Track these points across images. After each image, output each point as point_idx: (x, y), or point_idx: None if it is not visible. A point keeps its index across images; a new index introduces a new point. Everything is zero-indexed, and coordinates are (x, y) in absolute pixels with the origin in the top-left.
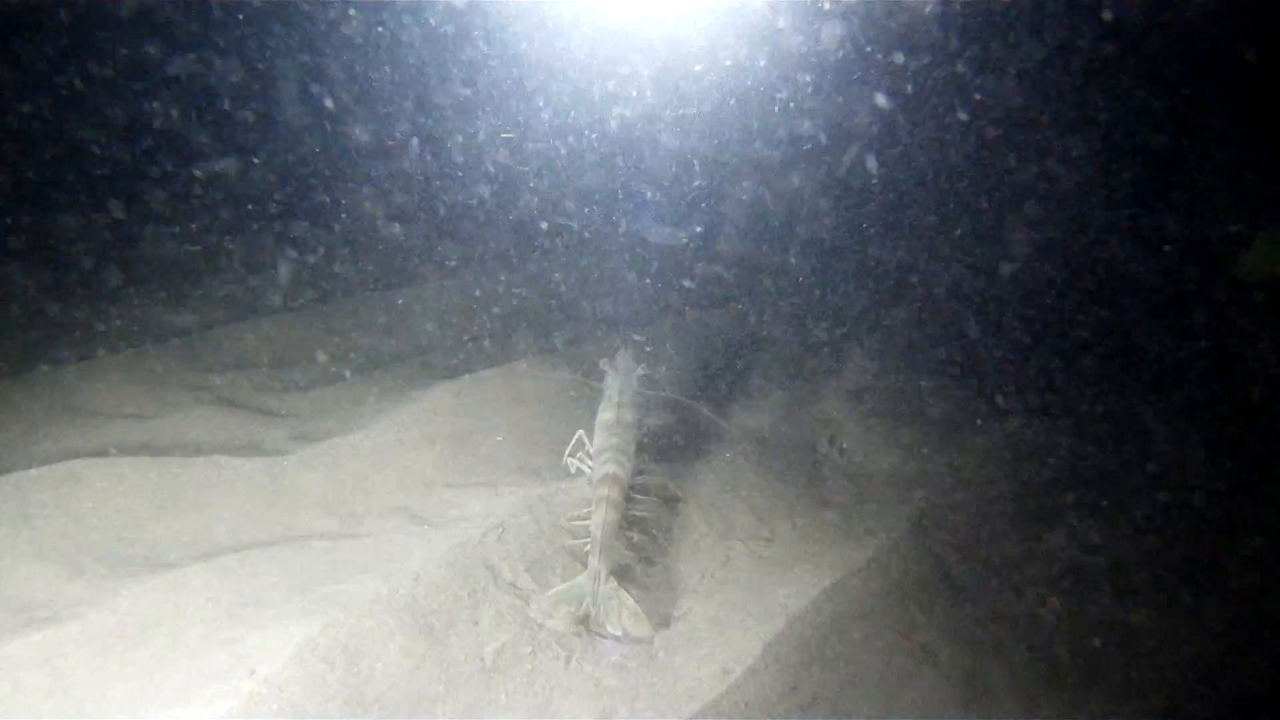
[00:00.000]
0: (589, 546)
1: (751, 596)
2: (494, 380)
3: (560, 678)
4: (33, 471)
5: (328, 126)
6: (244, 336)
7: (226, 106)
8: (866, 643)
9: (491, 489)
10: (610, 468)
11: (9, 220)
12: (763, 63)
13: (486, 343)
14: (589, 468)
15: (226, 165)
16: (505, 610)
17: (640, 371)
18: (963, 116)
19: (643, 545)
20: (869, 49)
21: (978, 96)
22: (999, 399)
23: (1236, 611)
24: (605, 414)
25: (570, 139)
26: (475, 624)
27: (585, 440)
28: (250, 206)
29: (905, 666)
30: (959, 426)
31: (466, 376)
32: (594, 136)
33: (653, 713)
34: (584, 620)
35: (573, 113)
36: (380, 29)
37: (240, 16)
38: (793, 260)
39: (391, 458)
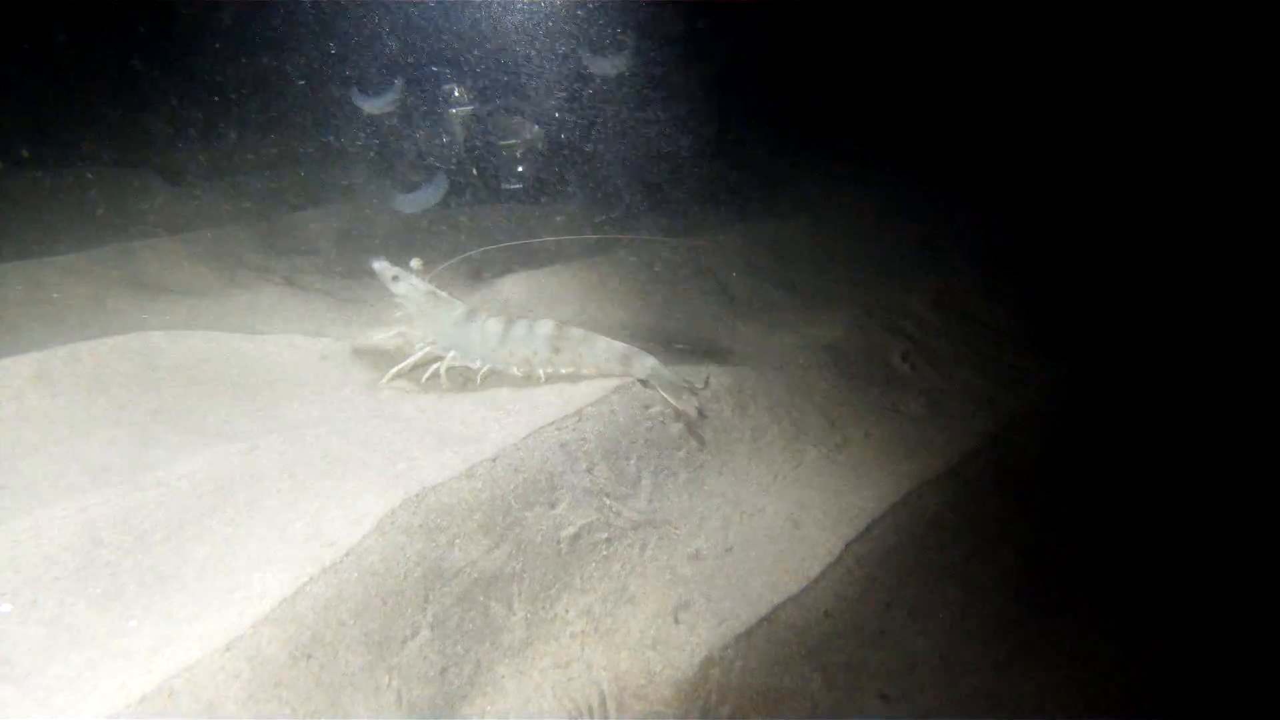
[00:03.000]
0: (610, 364)
1: (828, 498)
2: (564, 272)
3: (636, 565)
4: (108, 340)
5: None
6: (308, 224)
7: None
8: (942, 551)
9: (567, 379)
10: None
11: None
12: None
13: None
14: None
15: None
16: (582, 496)
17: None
18: None
19: (714, 442)
20: None
21: None
22: None
23: None
24: (453, 311)
25: None
26: (552, 507)
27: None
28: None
29: (981, 576)
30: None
31: (540, 270)
32: None
33: (730, 604)
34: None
35: None
36: None
37: None
38: None
39: None
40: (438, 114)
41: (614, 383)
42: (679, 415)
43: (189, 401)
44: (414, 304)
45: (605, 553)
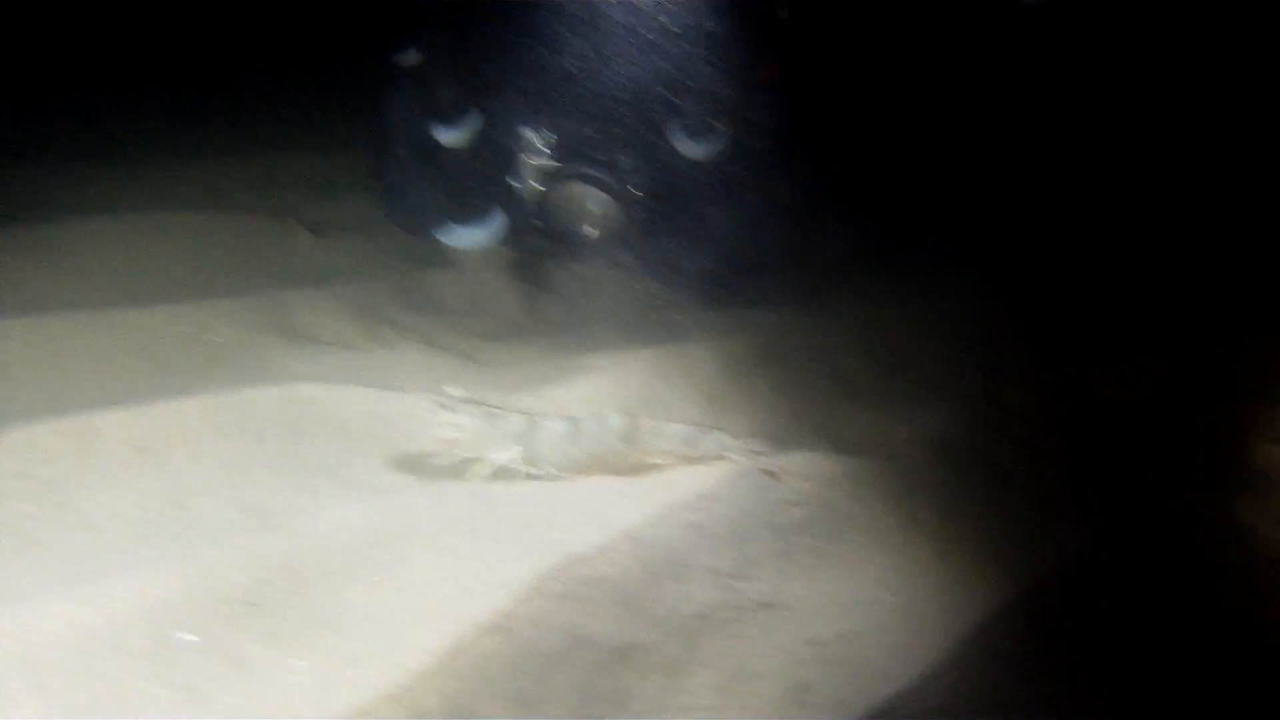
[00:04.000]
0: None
1: (942, 593)
2: (695, 351)
3: (760, 645)
4: (270, 389)
5: None
6: (444, 284)
7: None
8: (1052, 654)
9: (692, 460)
10: None
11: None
12: None
13: None
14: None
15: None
16: (709, 575)
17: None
18: None
19: (832, 530)
20: None
21: None
22: None
23: None
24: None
25: None
26: (682, 584)
27: None
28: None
29: (1091, 682)
30: None
31: (666, 346)
32: None
33: (849, 690)
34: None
35: None
36: None
37: None
38: None
39: None
40: (511, 154)
41: (738, 467)
42: (764, 472)
43: (339, 453)
44: (471, 431)
45: (731, 632)
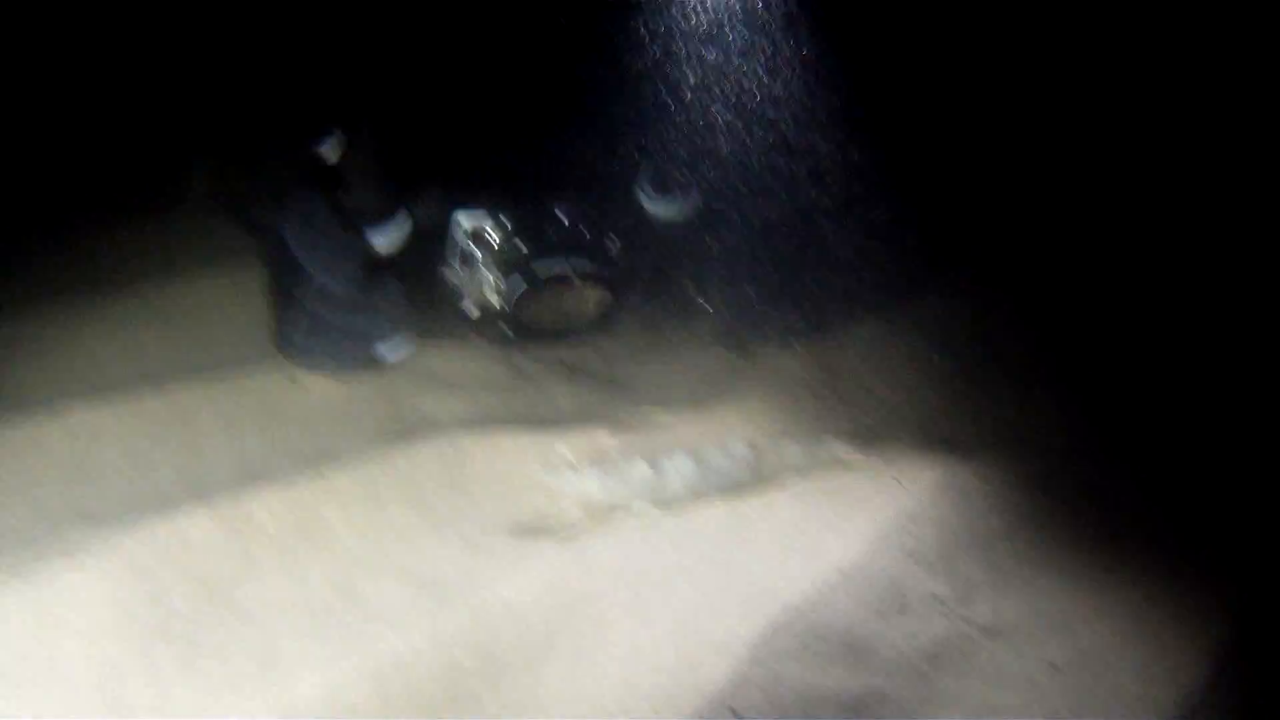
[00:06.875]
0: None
1: (1169, 601)
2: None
3: (993, 677)
4: (420, 447)
5: None
6: None
7: None
8: None
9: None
10: None
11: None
12: None
13: None
14: None
15: None
16: (929, 604)
17: None
18: None
19: (1035, 538)
20: None
21: None
22: None
23: None
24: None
25: None
26: (904, 617)
27: None
28: None
29: None
30: None
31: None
32: None
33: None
34: None
35: None
36: None
37: None
38: None
39: None
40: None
41: (932, 477)
42: None
43: (503, 504)
44: (598, 491)
45: (965, 667)
